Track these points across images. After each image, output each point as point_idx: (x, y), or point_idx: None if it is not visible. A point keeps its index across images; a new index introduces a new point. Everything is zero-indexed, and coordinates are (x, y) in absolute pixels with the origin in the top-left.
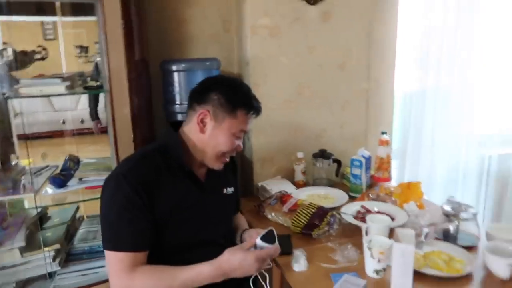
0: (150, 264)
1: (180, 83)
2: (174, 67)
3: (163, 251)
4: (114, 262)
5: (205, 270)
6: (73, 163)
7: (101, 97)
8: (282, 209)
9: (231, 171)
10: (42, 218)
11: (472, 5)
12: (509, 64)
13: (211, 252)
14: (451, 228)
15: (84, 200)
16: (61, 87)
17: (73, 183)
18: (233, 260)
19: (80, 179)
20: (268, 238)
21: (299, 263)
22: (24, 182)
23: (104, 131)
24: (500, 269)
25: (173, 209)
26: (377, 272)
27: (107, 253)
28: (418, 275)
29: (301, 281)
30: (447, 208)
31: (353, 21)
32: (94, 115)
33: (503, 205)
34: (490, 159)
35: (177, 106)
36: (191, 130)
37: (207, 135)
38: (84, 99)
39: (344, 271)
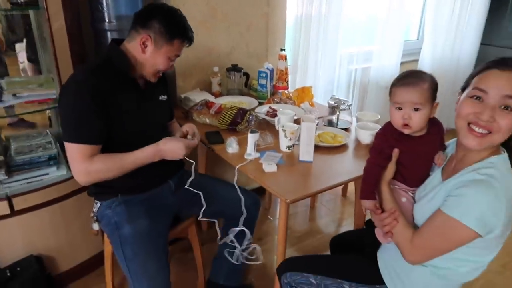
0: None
1: (108, 2)
2: None
3: (113, 144)
4: (76, 151)
5: (147, 149)
6: None
7: None
8: (209, 112)
9: (162, 83)
10: None
11: None
12: None
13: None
14: (334, 117)
15: (35, 111)
16: None
17: (8, 99)
18: (169, 143)
19: (14, 95)
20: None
21: (232, 146)
22: None
23: None
24: (365, 138)
25: (121, 110)
26: (289, 147)
27: (70, 145)
28: (316, 148)
29: (235, 158)
30: (331, 102)
31: None
32: None
33: (363, 107)
34: (355, 72)
35: (106, 24)
36: (134, 48)
37: (147, 55)
38: None
39: (266, 150)
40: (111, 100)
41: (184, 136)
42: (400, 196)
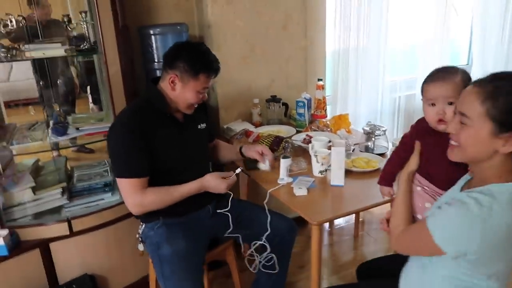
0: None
1: (157, 44)
2: (151, 31)
3: (158, 174)
4: (128, 186)
5: (192, 186)
6: (62, 117)
7: None
8: (247, 141)
9: (202, 111)
10: (37, 167)
11: None
12: (411, 26)
13: (193, 170)
14: (370, 143)
15: (93, 142)
16: (60, 50)
17: (72, 131)
18: (212, 182)
19: (77, 128)
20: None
21: (265, 164)
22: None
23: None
24: None
25: (163, 145)
26: (321, 172)
27: (122, 180)
28: (349, 172)
29: (269, 183)
30: (367, 128)
31: None
32: None
33: None
34: (399, 100)
35: (155, 63)
36: (166, 87)
37: (177, 92)
38: (16, 69)
39: (299, 175)
40: (154, 136)
41: (260, 154)
42: (425, 201)
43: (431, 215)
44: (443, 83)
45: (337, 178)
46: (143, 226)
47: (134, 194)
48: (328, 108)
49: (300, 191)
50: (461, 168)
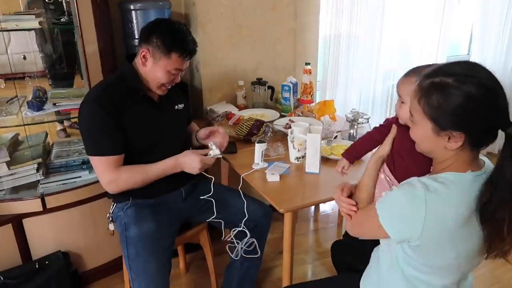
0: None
1: (137, 20)
2: (132, 6)
3: (131, 154)
4: (102, 163)
5: (168, 163)
6: (42, 92)
7: None
8: (228, 123)
9: (180, 91)
10: (16, 142)
11: None
12: (406, 13)
13: (169, 153)
14: (352, 131)
15: (68, 118)
16: (35, 22)
17: (49, 107)
18: (187, 158)
19: (54, 104)
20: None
21: (213, 149)
22: None
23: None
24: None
25: (135, 123)
26: (297, 159)
27: (95, 158)
28: (326, 160)
29: (242, 167)
30: (350, 115)
31: None
32: None
33: None
34: (393, 88)
35: (136, 40)
36: (138, 63)
37: (148, 69)
38: (15, 41)
39: (275, 161)
40: (125, 114)
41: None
42: (382, 190)
43: (381, 197)
44: (398, 81)
45: (312, 165)
46: (114, 205)
47: (107, 172)
48: (318, 93)
49: (272, 177)
50: (425, 169)
